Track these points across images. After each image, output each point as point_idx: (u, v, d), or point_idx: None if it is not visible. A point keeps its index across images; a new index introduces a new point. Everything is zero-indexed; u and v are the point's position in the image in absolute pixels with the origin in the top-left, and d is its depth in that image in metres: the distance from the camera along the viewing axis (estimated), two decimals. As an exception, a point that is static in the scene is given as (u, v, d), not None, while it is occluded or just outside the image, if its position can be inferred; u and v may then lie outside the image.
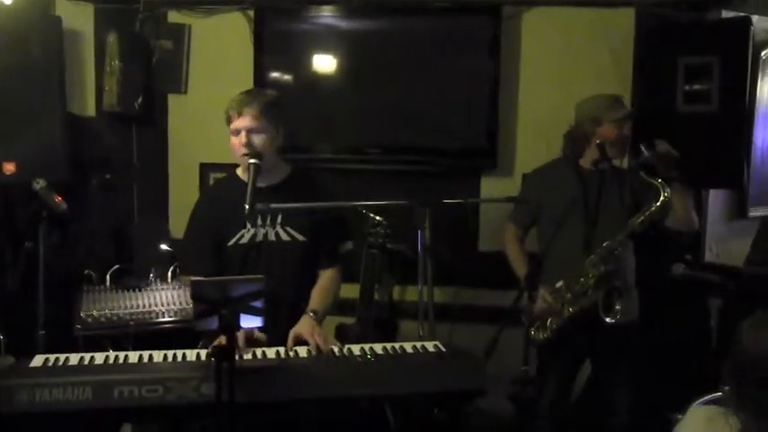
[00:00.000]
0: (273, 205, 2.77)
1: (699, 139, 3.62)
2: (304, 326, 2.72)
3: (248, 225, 2.86)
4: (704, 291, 3.80)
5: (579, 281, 3.22)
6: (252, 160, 2.77)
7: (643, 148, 3.18)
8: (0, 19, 3.64)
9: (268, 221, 2.88)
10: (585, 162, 3.38)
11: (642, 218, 3.15)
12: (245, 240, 2.87)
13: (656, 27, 4.03)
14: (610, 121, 3.30)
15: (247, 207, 2.66)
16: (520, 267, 3.41)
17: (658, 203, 3.11)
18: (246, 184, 2.75)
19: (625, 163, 3.68)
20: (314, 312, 2.79)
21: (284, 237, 2.89)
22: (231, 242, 2.87)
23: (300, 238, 2.91)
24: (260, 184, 2.81)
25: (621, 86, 4.01)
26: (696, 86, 3.77)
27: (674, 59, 3.84)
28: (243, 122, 2.80)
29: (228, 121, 2.84)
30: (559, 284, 3.27)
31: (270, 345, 2.66)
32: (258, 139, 2.81)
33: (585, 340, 3.31)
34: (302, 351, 2.62)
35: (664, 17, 4.03)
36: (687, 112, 3.80)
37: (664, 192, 3.10)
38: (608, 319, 3.15)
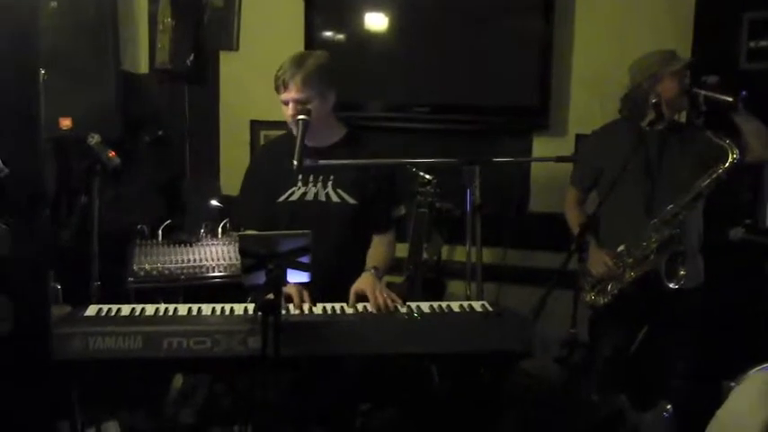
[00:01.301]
0: (322, 162, 2.75)
1: (763, 98, 3.47)
2: (366, 282, 2.73)
3: (299, 183, 2.87)
4: (763, 256, 3.70)
5: (641, 245, 3.14)
6: (300, 116, 2.75)
7: (696, 89, 3.09)
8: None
9: (320, 181, 2.89)
10: (647, 122, 3.25)
11: (709, 180, 3.05)
12: (294, 198, 2.88)
13: (720, -19, 3.87)
14: (669, 75, 3.17)
15: (295, 163, 2.66)
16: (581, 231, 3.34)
17: (726, 165, 3.00)
18: (306, 128, 2.75)
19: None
20: (375, 269, 2.80)
21: (334, 198, 2.89)
22: (281, 198, 2.89)
23: (351, 200, 2.90)
24: (313, 145, 2.82)
25: (681, 43, 3.86)
26: (761, 43, 3.63)
27: (739, 14, 3.69)
28: (290, 94, 2.81)
29: (276, 90, 2.85)
30: (621, 248, 3.20)
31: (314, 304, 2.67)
32: (305, 110, 2.80)
33: (646, 306, 3.23)
34: (349, 309, 2.63)
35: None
36: (751, 70, 3.66)
37: (732, 152, 2.99)
38: (671, 285, 3.07)
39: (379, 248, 2.95)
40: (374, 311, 2.61)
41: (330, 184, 2.90)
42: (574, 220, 3.41)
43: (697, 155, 3.17)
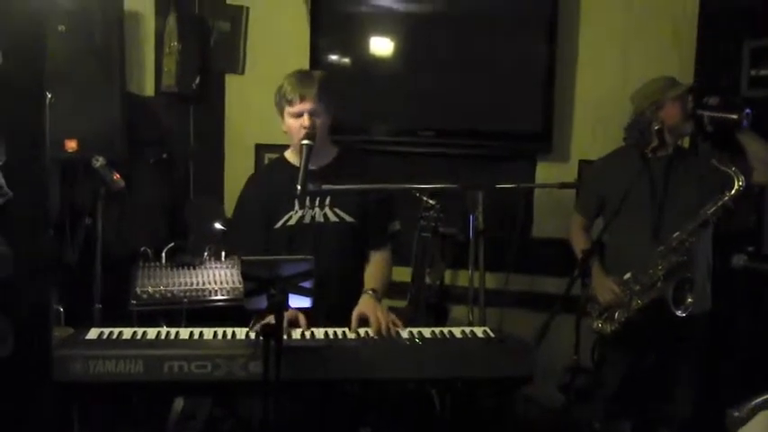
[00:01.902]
0: (326, 186, 2.75)
1: (765, 124, 3.49)
2: (367, 305, 2.73)
3: (296, 207, 2.88)
4: (766, 284, 3.69)
5: (648, 272, 3.14)
6: (305, 141, 2.76)
7: (700, 111, 3.11)
8: (65, 2, 3.70)
9: (317, 203, 2.89)
10: (650, 149, 3.24)
11: (714, 207, 3.05)
12: (292, 222, 2.89)
13: (721, 9, 3.89)
14: (671, 100, 3.19)
15: (299, 188, 2.66)
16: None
17: (732, 192, 3.01)
18: (295, 167, 2.78)
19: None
20: (373, 291, 2.81)
21: (332, 218, 2.90)
22: (279, 224, 2.89)
23: (348, 219, 2.91)
24: (310, 166, 2.80)
25: (683, 70, 3.89)
26: (762, 71, 3.65)
27: (740, 43, 3.71)
28: (305, 105, 2.82)
29: (289, 104, 2.84)
30: (627, 276, 3.20)
31: (315, 325, 2.66)
32: (320, 121, 2.84)
33: (653, 333, 3.22)
34: (350, 333, 2.62)
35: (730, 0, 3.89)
36: (753, 97, 3.66)
37: (738, 180, 3.00)
38: (679, 313, 3.06)
39: (376, 268, 2.95)
40: (375, 335, 2.60)
41: (327, 203, 2.90)
42: (579, 246, 3.41)
43: (703, 182, 3.17)
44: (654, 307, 3.14)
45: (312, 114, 2.82)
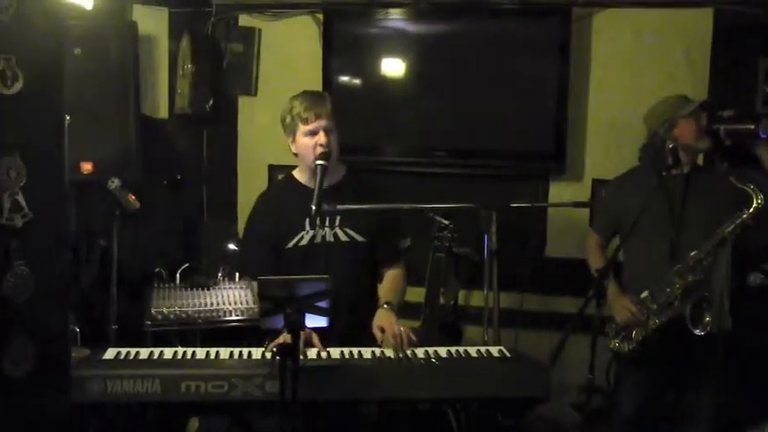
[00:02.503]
0: (340, 207, 2.77)
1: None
2: (384, 318, 2.74)
3: (307, 227, 2.88)
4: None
5: (665, 291, 3.11)
6: (320, 162, 2.78)
7: (716, 125, 3.09)
8: (80, 24, 3.75)
9: (327, 222, 2.89)
10: (666, 168, 3.20)
11: (733, 226, 3.02)
12: (304, 242, 2.89)
13: (735, 28, 3.90)
14: (684, 118, 3.16)
15: (314, 208, 2.67)
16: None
17: (751, 210, 2.99)
18: (305, 186, 2.84)
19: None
20: (388, 304, 2.82)
21: (343, 237, 2.91)
22: (290, 244, 2.89)
23: (359, 238, 2.92)
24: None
25: (697, 89, 3.89)
26: (777, 89, 3.66)
27: (754, 60, 3.72)
28: (321, 123, 2.83)
29: (303, 122, 2.84)
30: (644, 295, 3.17)
31: (329, 345, 2.66)
32: (333, 138, 2.85)
33: (671, 352, 3.18)
34: (366, 353, 2.62)
35: (743, 18, 3.90)
36: (768, 114, 3.68)
37: (756, 198, 2.98)
38: (697, 332, 3.03)
39: (391, 283, 2.97)
40: (391, 349, 2.60)
41: (337, 223, 2.90)
42: (594, 264, 3.38)
43: (720, 200, 3.14)
44: (672, 326, 3.11)
45: (327, 131, 2.83)
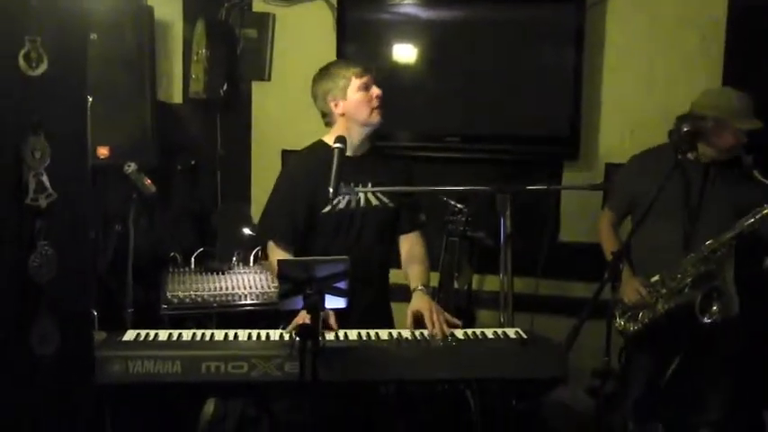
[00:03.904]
0: (358, 189, 2.85)
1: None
2: (422, 304, 2.76)
3: (343, 190, 2.87)
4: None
5: (676, 278, 3.13)
6: (337, 144, 2.78)
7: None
8: (96, 9, 3.75)
9: (360, 187, 2.91)
10: (691, 154, 3.18)
11: (753, 219, 3.01)
12: (341, 206, 2.92)
13: (750, 12, 3.87)
14: (737, 128, 3.09)
15: (331, 191, 2.68)
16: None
17: None
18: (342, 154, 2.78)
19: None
20: (424, 287, 2.87)
21: (374, 202, 2.97)
22: (326, 209, 2.91)
23: (390, 204, 2.99)
24: (350, 153, 2.89)
25: (711, 74, 3.89)
26: (793, 77, 3.63)
27: (769, 48, 3.70)
28: (372, 78, 2.93)
29: (357, 75, 2.91)
30: (655, 279, 3.19)
31: (360, 307, 2.71)
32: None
33: (679, 336, 3.20)
34: (384, 334, 2.63)
35: (758, 1, 3.87)
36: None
37: None
38: (705, 320, 3.04)
39: (415, 257, 3.02)
40: (432, 334, 2.63)
41: (369, 188, 2.94)
42: (607, 244, 3.37)
43: (742, 194, 3.12)
44: (679, 312, 3.12)
45: (379, 85, 2.92)
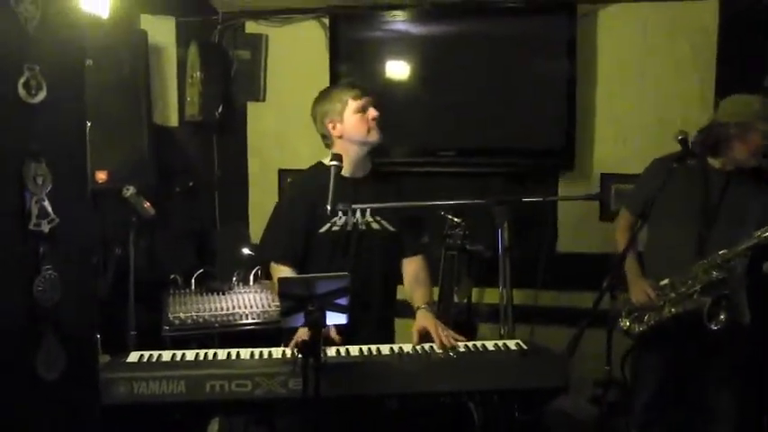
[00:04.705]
0: (355, 205, 2.87)
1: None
2: (427, 321, 2.79)
3: (340, 213, 2.94)
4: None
5: (687, 283, 3.13)
6: (334, 162, 2.84)
7: None
8: (92, 36, 3.78)
9: (358, 211, 2.95)
10: (715, 162, 3.21)
11: None
12: (336, 228, 2.95)
13: (741, 19, 3.91)
14: (756, 130, 3.08)
15: (329, 208, 2.74)
16: (627, 257, 3.25)
17: None
18: (339, 172, 2.88)
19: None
20: (427, 305, 2.90)
21: (375, 226, 2.99)
22: (323, 229, 2.94)
23: (390, 228, 3.01)
24: (350, 175, 2.97)
25: (704, 81, 3.93)
26: (786, 81, 3.66)
27: (762, 51, 3.73)
28: (369, 100, 2.97)
29: (354, 98, 2.95)
30: (664, 282, 3.19)
31: (361, 331, 2.74)
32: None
33: (686, 340, 3.20)
34: (385, 349, 2.65)
35: (749, 8, 3.91)
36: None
37: None
38: (712, 326, 3.05)
39: (418, 279, 3.04)
40: (439, 350, 2.65)
41: (368, 212, 2.97)
42: (620, 243, 3.35)
43: (762, 204, 3.14)
44: (686, 317, 3.13)
45: (376, 107, 2.96)
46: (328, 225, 2.94)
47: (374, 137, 2.96)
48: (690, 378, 3.30)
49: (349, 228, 2.95)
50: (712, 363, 3.25)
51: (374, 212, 2.97)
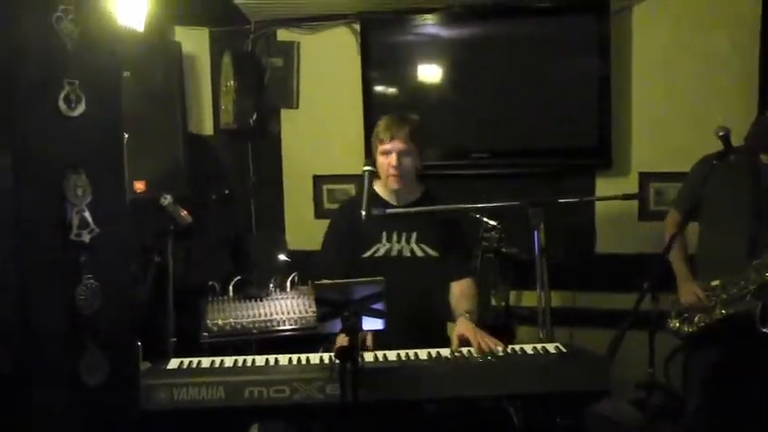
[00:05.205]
0: (389, 210, 2.91)
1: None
2: (465, 327, 2.79)
3: (384, 239, 2.99)
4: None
5: (739, 284, 3.06)
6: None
7: None
8: (128, 48, 3.84)
9: (403, 238, 3.01)
10: (766, 157, 3.13)
11: None
12: (380, 254, 3.00)
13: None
14: None
15: (364, 214, 2.77)
16: (675, 258, 3.25)
17: None
18: (382, 199, 3.00)
19: None
20: (468, 313, 2.89)
21: (419, 253, 3.01)
22: (367, 254, 2.99)
23: (434, 254, 3.02)
24: (394, 203, 3.03)
25: (745, 77, 3.84)
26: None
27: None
28: (395, 145, 2.97)
29: (380, 142, 3.00)
30: (715, 283, 3.13)
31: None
32: (407, 161, 2.98)
33: (737, 343, 3.12)
34: (422, 353, 2.64)
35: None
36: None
37: None
38: (765, 330, 2.98)
39: (464, 294, 3.03)
40: (478, 355, 2.63)
41: (414, 239, 3.01)
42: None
43: None
44: (737, 319, 3.06)
45: (401, 155, 2.96)
46: (372, 250, 3.00)
47: (392, 185, 3.00)
48: (740, 381, 3.22)
49: (393, 255, 2.99)
50: (764, 366, 3.17)
51: (419, 240, 3.01)
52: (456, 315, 2.93)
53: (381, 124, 3.04)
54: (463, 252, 3.14)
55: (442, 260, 3.03)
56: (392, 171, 2.97)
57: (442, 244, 3.04)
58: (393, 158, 2.96)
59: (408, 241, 3.01)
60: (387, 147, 2.97)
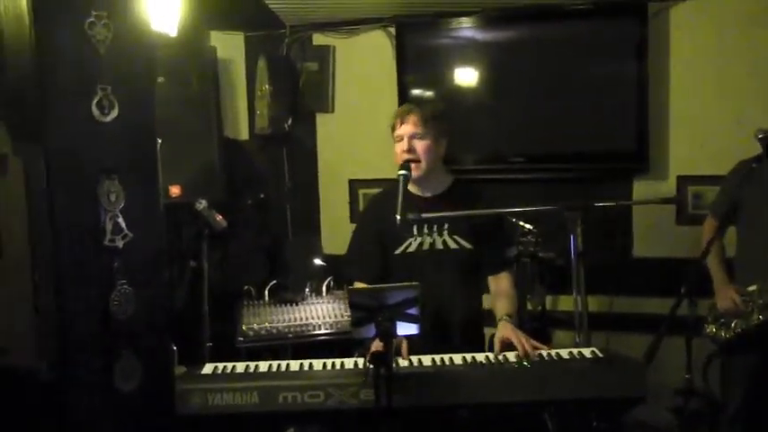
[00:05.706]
0: (425, 215, 2.81)
1: None
2: (508, 331, 2.72)
3: (415, 233, 2.91)
4: None
5: None
6: (401, 172, 2.83)
7: None
8: (163, 53, 3.89)
9: (435, 230, 2.92)
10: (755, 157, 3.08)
11: None
12: (412, 249, 2.92)
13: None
14: None
15: (398, 218, 2.72)
16: (712, 262, 3.21)
17: None
18: (413, 194, 2.90)
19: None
20: (509, 316, 2.81)
21: (452, 245, 2.92)
22: (399, 250, 2.93)
23: (468, 245, 2.93)
24: (425, 194, 2.94)
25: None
26: None
27: None
28: (405, 129, 2.90)
29: (392, 128, 2.94)
30: (752, 288, 3.10)
31: (439, 352, 2.66)
32: (419, 145, 2.88)
33: None
34: (457, 358, 2.62)
35: None
36: None
37: None
38: None
39: (504, 294, 2.94)
40: (514, 361, 2.59)
41: (446, 231, 2.92)
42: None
43: None
44: None
45: (412, 137, 2.87)
46: (404, 246, 2.92)
47: (402, 172, 2.87)
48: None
49: (425, 248, 2.91)
50: None
51: (451, 231, 2.91)
52: (496, 318, 2.85)
53: (397, 110, 3.00)
54: (500, 244, 3.02)
55: (477, 252, 2.93)
56: (404, 156, 2.87)
57: (477, 234, 2.93)
58: (404, 143, 2.88)
59: (441, 233, 2.91)
60: (398, 132, 2.91)
